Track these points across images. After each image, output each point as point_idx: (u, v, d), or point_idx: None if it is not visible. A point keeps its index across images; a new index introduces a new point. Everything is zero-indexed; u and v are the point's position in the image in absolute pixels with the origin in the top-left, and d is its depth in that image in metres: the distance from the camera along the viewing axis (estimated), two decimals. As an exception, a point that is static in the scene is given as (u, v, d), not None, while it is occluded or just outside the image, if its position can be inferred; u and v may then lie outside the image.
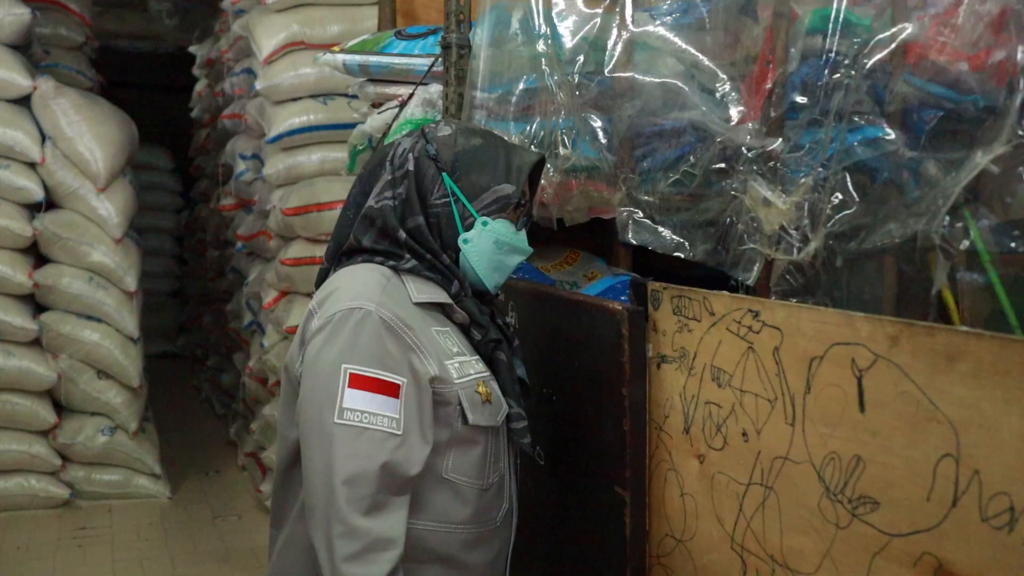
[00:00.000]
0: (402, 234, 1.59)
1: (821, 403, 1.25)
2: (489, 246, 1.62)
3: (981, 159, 1.38)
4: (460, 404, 1.54)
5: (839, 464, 1.22)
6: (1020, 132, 1.34)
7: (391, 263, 1.59)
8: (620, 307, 1.63)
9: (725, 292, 1.48)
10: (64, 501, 4.71)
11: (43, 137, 4.58)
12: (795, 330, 1.29)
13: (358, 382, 1.45)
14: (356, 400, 1.45)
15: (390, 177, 1.63)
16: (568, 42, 2.04)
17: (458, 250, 1.62)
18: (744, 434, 1.40)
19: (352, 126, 4.05)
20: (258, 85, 4.44)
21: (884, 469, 1.14)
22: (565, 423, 1.84)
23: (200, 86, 6.70)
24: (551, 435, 1.88)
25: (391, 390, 1.47)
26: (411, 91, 2.58)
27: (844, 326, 1.20)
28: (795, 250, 1.54)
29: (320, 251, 4.25)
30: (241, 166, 5.08)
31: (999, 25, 1.56)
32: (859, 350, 1.18)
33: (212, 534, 4.50)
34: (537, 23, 2.09)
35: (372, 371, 1.46)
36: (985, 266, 1.52)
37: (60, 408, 4.71)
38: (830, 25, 1.65)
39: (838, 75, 1.61)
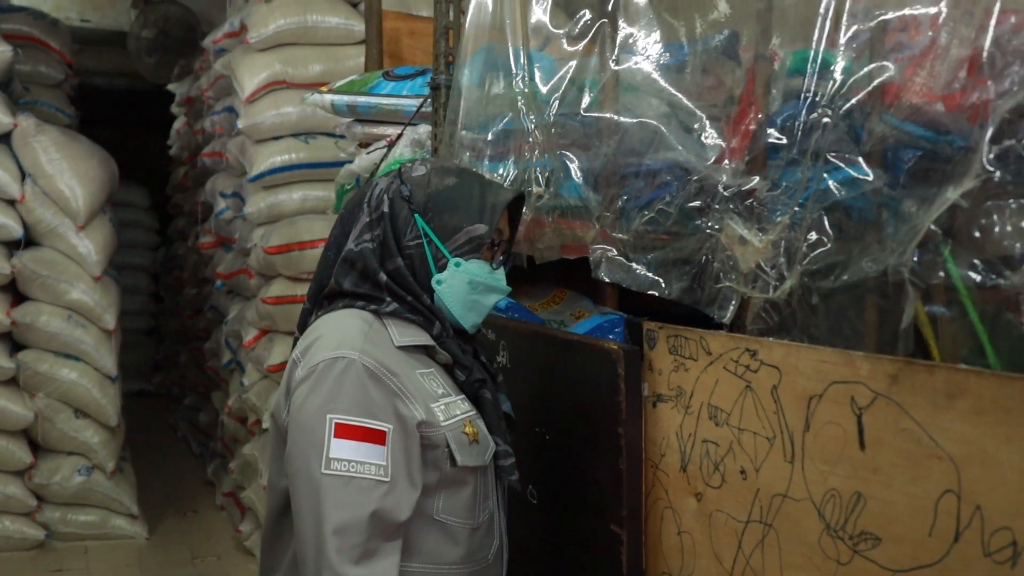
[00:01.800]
0: (383, 276, 1.59)
1: (820, 441, 1.26)
2: (463, 287, 1.61)
3: (951, 194, 1.41)
4: (448, 446, 1.53)
5: (839, 501, 1.23)
6: (988, 167, 1.37)
7: (372, 307, 1.59)
8: (616, 346, 1.65)
9: (722, 331, 1.50)
10: (39, 542, 4.63)
11: (23, 174, 4.55)
12: (793, 369, 1.31)
13: (343, 431, 1.45)
14: (342, 449, 1.44)
15: (368, 219, 1.63)
16: (547, 82, 2.07)
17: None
18: (742, 472, 1.42)
19: (334, 165, 4.08)
20: (240, 123, 4.45)
21: (885, 506, 1.16)
22: (560, 462, 1.84)
23: (179, 123, 6.70)
24: (546, 474, 1.88)
25: (377, 437, 1.46)
26: (399, 131, 2.61)
27: (843, 365, 1.23)
28: (771, 288, 1.56)
29: (301, 289, 4.25)
30: (221, 204, 5.08)
31: (974, 66, 1.60)
32: (858, 388, 1.20)
33: (191, 575, 4.43)
34: (518, 64, 2.12)
35: (357, 420, 1.46)
36: (963, 302, 1.54)
37: (36, 447, 4.64)
38: (809, 67, 1.68)
39: (815, 115, 1.64)
